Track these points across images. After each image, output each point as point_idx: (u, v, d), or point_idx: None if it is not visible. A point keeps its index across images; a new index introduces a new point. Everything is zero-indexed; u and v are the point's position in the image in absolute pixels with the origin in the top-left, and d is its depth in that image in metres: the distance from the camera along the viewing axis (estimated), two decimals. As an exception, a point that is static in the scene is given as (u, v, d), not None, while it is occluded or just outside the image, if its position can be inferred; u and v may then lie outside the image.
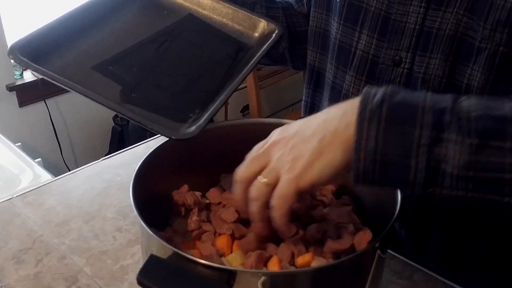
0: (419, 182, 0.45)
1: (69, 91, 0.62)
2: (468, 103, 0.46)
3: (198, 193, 0.63)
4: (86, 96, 0.60)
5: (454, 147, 0.44)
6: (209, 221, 0.61)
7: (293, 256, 0.53)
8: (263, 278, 0.44)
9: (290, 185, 0.47)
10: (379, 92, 0.47)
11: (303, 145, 0.48)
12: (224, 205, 0.62)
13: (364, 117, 0.45)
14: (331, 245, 0.54)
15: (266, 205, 0.49)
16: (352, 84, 0.73)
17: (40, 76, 0.62)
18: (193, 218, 0.60)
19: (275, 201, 0.48)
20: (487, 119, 0.45)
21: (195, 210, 0.60)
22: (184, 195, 0.62)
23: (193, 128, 0.60)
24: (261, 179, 0.49)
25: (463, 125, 0.44)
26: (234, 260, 0.54)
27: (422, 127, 0.45)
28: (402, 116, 0.45)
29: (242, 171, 0.52)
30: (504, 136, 0.44)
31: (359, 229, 0.56)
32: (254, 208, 0.50)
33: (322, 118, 0.49)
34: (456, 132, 0.44)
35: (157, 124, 0.60)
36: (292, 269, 0.52)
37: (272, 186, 0.49)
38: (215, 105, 0.63)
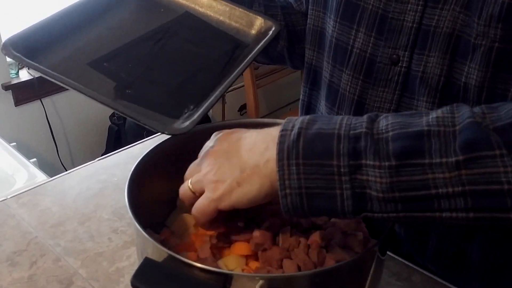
0: (348, 210, 0.46)
1: (65, 89, 0.61)
2: (385, 122, 0.47)
3: None
4: (80, 92, 0.60)
5: (374, 171, 0.44)
6: None
7: (299, 269, 0.51)
8: (260, 282, 0.44)
9: (210, 204, 0.51)
10: (296, 124, 0.48)
11: (228, 170, 0.51)
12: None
13: (283, 155, 0.47)
14: (339, 254, 0.52)
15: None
16: (349, 83, 0.72)
17: (37, 75, 0.62)
18: None
19: (194, 211, 0.52)
20: (404, 138, 0.45)
21: None
22: None
23: (186, 123, 0.60)
24: (188, 184, 0.53)
25: (380, 149, 0.45)
26: (230, 263, 0.53)
27: (340, 157, 0.45)
28: (318, 148, 0.46)
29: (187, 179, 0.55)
30: (422, 153, 0.44)
31: (366, 239, 0.55)
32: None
33: (249, 145, 0.51)
34: (373, 156, 0.45)
35: (151, 120, 0.60)
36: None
37: (196, 195, 0.52)
38: (209, 101, 0.63)
